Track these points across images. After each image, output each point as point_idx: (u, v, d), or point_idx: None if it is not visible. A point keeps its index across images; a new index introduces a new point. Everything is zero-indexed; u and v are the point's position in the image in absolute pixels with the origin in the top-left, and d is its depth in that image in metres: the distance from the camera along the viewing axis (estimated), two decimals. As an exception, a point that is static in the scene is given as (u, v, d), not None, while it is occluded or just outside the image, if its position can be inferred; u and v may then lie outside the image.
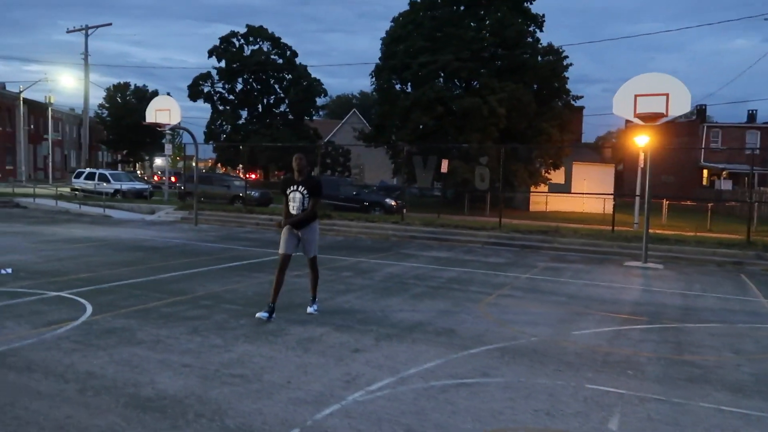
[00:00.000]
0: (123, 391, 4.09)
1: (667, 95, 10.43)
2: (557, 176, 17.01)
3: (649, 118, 10.60)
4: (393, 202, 22.35)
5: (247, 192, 23.00)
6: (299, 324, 6.10)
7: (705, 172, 41.54)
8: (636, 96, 10.70)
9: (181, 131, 31.17)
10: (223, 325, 5.96)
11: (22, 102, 43.04)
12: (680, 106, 10.41)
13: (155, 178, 38.55)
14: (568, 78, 28.75)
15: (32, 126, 48.47)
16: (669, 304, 8.01)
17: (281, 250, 6.27)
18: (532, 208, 30.01)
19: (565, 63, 29.16)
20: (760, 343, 6.05)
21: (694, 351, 5.66)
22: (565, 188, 16.16)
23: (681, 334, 6.28)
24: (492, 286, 8.85)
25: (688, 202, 30.11)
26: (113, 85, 57.73)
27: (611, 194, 19.34)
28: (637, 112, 10.67)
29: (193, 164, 21.68)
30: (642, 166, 22.93)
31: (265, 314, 6.11)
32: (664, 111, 10.46)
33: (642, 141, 22.95)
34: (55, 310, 6.32)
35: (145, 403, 3.89)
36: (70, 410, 3.73)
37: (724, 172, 39.95)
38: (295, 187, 6.25)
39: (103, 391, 4.07)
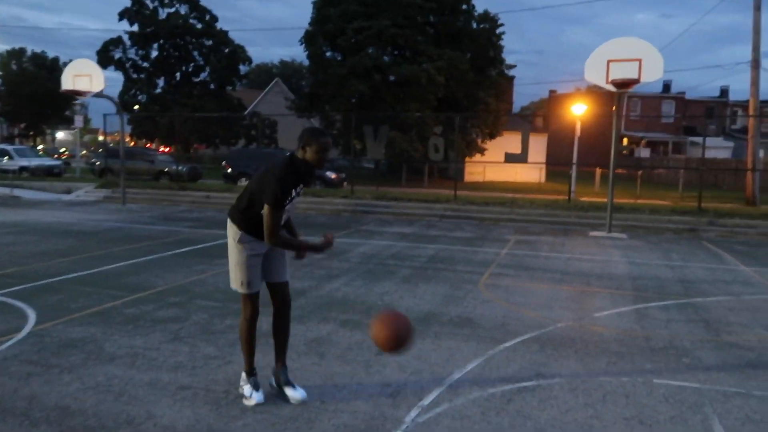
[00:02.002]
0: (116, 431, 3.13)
1: (640, 61, 10.16)
2: (514, 146, 16.72)
3: (622, 84, 10.32)
4: (334, 175, 21.41)
5: (178, 167, 21.27)
6: (297, 321, 5.23)
7: (625, 140, 43.23)
8: (609, 61, 10.36)
9: (87, 101, 28.65)
10: (208, 327, 5.00)
11: None
12: (653, 71, 10.17)
13: (62, 153, 35.16)
14: (503, 47, 28.59)
15: None
16: (663, 277, 7.77)
17: (254, 288, 3.57)
18: (468, 178, 29.97)
19: (498, 32, 28.99)
20: (780, 317, 5.84)
21: (729, 331, 5.33)
22: (522, 158, 15.85)
23: (701, 311, 5.97)
24: (478, 264, 8.30)
25: (619, 170, 31.06)
26: (7, 51, 52.16)
27: (573, 164, 19.36)
28: (611, 78, 10.34)
29: (108, 138, 19.69)
30: (578, 135, 23.25)
31: (260, 396, 3.55)
32: (637, 77, 10.20)
33: (579, 110, 23.35)
34: (-12, 318, 5.10)
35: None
36: (53, 470, 2.76)
37: (642, 141, 41.75)
38: (300, 188, 3.53)
39: (90, 435, 3.10)
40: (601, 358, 4.47)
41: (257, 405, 3.48)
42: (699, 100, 48.46)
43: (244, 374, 3.67)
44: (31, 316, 5.18)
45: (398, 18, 26.19)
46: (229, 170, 21.29)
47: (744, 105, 45.99)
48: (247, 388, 3.60)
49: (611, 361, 4.42)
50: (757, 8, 18.92)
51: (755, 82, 19.55)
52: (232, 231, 3.56)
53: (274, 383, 3.70)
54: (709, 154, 37.40)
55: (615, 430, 3.31)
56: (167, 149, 40.45)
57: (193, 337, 4.72)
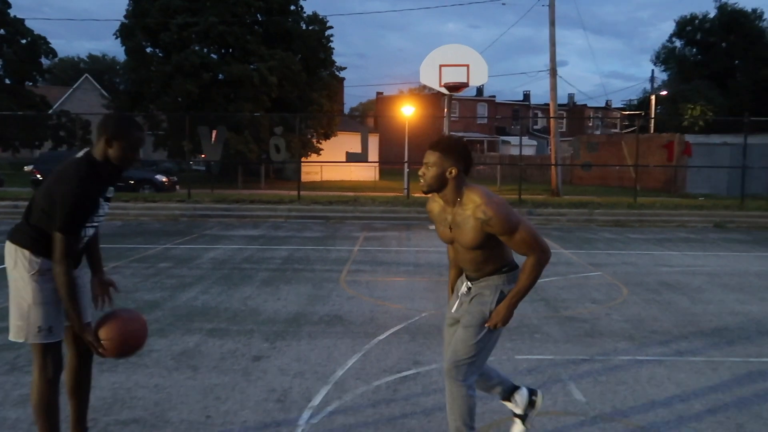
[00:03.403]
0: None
1: (467, 66, 11.02)
2: (354, 146, 17.09)
3: (454, 87, 11.10)
4: (164, 179, 20.13)
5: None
6: (156, 335, 4.85)
7: (447, 140, 46.41)
8: (441, 66, 11.08)
9: None
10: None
11: None
12: (479, 75, 11.11)
13: None
14: (333, 48, 29.10)
15: None
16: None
17: (58, 334, 2.64)
18: (304, 178, 29.98)
19: (327, 34, 29.41)
20: (601, 291, 6.74)
21: (565, 306, 6.04)
22: (362, 157, 16.28)
23: (539, 291, 6.65)
24: (334, 263, 8.38)
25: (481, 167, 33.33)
26: None
27: (405, 162, 20.16)
28: (443, 81, 11.08)
29: None
30: (408, 135, 24.52)
31: None
32: (466, 80, 11.04)
33: (408, 111, 24.62)
34: None
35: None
36: None
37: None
38: (111, 194, 2.75)
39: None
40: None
41: None
42: (506, 102, 53.86)
43: None
44: None
45: (225, 15, 25.34)
46: (39, 176, 18.94)
47: (543, 107, 52.09)
48: None
49: (476, 343, 4.77)
50: (552, 24, 21.56)
51: (553, 88, 22.27)
52: (20, 259, 2.57)
53: None
54: (516, 151, 41.85)
55: (495, 405, 3.58)
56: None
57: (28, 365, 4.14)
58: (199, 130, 15.99)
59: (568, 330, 5.17)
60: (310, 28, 28.69)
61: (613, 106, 58.43)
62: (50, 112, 37.17)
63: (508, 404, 3.09)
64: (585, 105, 56.21)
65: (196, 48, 25.60)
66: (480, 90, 50.35)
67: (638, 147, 18.44)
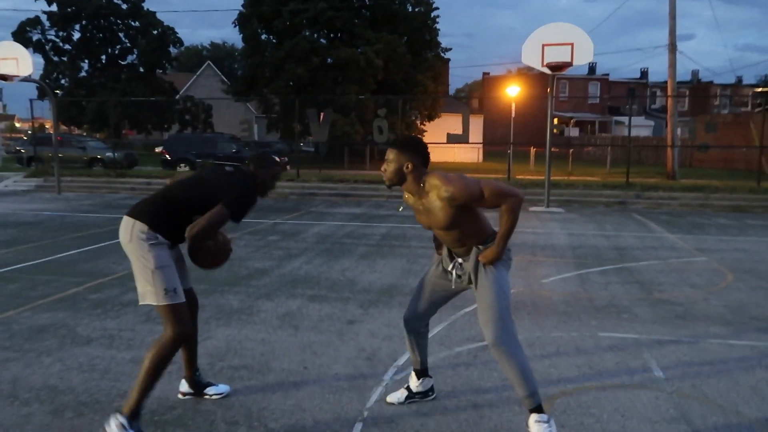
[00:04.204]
0: (111, 405, 3.25)
1: (571, 44, 10.75)
2: (454, 127, 17.20)
3: (556, 67, 10.89)
4: (277, 159, 21.30)
5: (113, 154, 20.58)
6: (265, 298, 5.42)
7: (556, 120, 44.95)
8: (543, 45, 10.90)
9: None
10: (178, 307, 5.10)
11: None
12: (584, 54, 10.79)
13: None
14: (438, 30, 29.06)
15: None
16: (599, 245, 8.40)
17: (181, 295, 2.92)
18: (408, 160, 30.42)
19: (432, 15, 29.40)
20: (702, 276, 6.50)
21: (660, 289, 5.92)
22: (463, 138, 16.35)
23: (635, 274, 6.56)
24: (430, 240, 8.66)
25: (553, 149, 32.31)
26: None
27: (510, 143, 19.99)
28: (546, 61, 10.89)
29: (26, 125, 18.81)
30: (513, 115, 24.11)
31: None
32: (570, 60, 10.79)
33: (513, 92, 24.18)
34: (-54, 309, 5.00)
35: (153, 417, 3.12)
36: (58, 441, 2.88)
37: (571, 121, 43.57)
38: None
39: (85, 409, 3.20)
40: (551, 318, 4.91)
41: None
42: (622, 81, 50.91)
43: (122, 419, 2.78)
44: (-8, 305, 5.12)
45: (334, 1, 26.12)
46: (168, 156, 20.79)
47: (662, 86, 48.68)
48: None
49: (561, 320, 4.87)
50: (674, -6, 20.13)
51: (672, 65, 20.86)
52: (135, 232, 2.89)
53: (187, 389, 3.34)
54: (633, 132, 39.58)
55: (569, 376, 3.72)
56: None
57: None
58: (308, 112, 16.82)
59: (659, 312, 5.11)
60: (416, 10, 28.83)
61: (744, 82, 53.40)
62: (177, 97, 40.32)
63: (413, 376, 3.31)
64: (711, 82, 51.83)
65: (307, 33, 26.70)
66: (592, 68, 48.05)
67: (764, 126, 16.93)
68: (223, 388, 3.40)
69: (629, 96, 30.71)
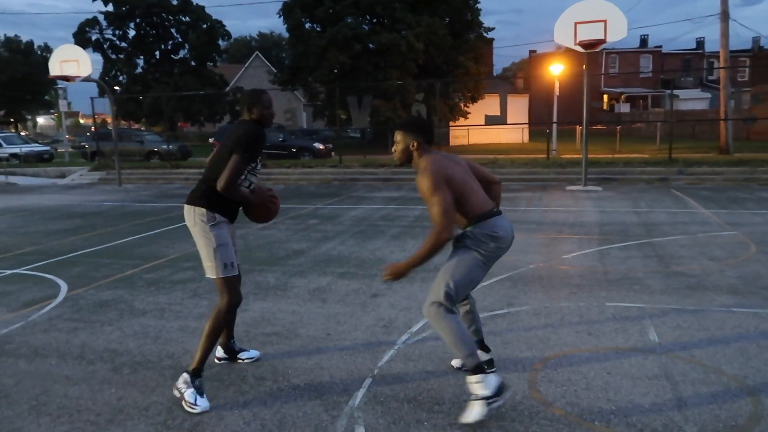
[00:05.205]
0: (160, 364, 3.81)
1: (605, 21, 10.73)
2: (493, 108, 17.29)
3: (589, 45, 10.90)
4: (321, 146, 21.95)
5: (168, 147, 21.69)
6: (299, 276, 5.93)
7: (605, 96, 43.83)
8: (576, 23, 10.92)
9: (65, 84, 28.40)
10: (221, 285, 5.67)
11: None
12: (618, 31, 10.75)
13: (67, 137, 34.72)
14: (480, 9, 28.86)
15: None
16: (628, 222, 8.52)
17: (236, 269, 3.36)
18: (453, 142, 30.56)
19: (474, -6, 29.19)
20: (725, 249, 6.60)
21: (678, 262, 6.09)
22: (501, 120, 16.44)
23: (657, 249, 6.73)
24: (461, 221, 8.99)
25: (599, 126, 31.72)
26: (-22, 38, 51.39)
27: (553, 123, 19.99)
28: (578, 39, 10.92)
29: (89, 121, 20.00)
30: (557, 94, 23.83)
31: (205, 402, 3.19)
32: (603, 37, 10.78)
33: (556, 70, 23.86)
34: (24, 289, 5.73)
35: (195, 373, 3.65)
36: (117, 391, 3.44)
37: (622, 96, 42.38)
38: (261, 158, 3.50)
39: (140, 368, 3.78)
40: (563, 290, 5.21)
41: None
42: (676, 52, 48.98)
43: (187, 376, 3.25)
44: (62, 285, 5.83)
45: (374, -15, 26.35)
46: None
47: (719, 56, 46.51)
48: (190, 393, 3.20)
49: (572, 291, 5.16)
50: (725, -40, 19.37)
51: (725, 34, 20.14)
52: (197, 215, 3.28)
53: (222, 354, 3.79)
54: (688, 105, 38.18)
55: (567, 340, 4.05)
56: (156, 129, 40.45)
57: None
58: (348, 99, 17.27)
59: (670, 283, 5.32)
60: (457, -10, 28.68)
61: (812, 47, 50.28)
62: (227, 89, 41.58)
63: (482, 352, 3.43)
64: (774, 49, 49.11)
65: (348, 20, 27.09)
66: (644, 40, 46.42)
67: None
68: (254, 353, 3.90)
69: (683, 68, 29.69)
